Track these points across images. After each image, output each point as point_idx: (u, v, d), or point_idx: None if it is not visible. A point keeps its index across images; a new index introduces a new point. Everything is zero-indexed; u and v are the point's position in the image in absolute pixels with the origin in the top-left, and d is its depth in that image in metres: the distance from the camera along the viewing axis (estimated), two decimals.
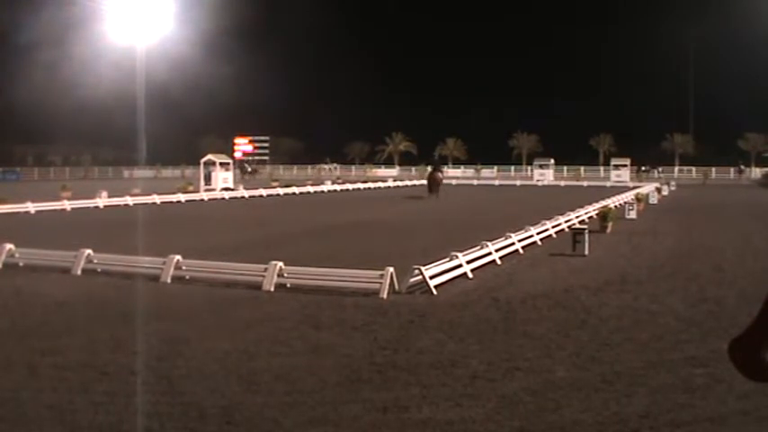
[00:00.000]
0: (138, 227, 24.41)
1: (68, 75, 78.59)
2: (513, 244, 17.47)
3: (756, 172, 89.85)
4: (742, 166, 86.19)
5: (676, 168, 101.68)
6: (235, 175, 57.77)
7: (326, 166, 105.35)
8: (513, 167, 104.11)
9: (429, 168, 49.06)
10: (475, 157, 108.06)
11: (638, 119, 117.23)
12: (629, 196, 35.58)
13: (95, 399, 6.93)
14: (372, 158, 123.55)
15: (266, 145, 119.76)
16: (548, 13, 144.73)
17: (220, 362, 8.26)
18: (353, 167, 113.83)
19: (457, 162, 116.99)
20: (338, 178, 72.97)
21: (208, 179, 50.12)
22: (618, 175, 72.83)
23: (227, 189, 48.62)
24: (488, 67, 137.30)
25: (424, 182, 48.15)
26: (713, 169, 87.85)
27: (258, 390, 7.24)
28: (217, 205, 39.17)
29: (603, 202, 29.46)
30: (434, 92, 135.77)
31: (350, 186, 58.45)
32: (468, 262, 14.28)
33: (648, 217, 28.73)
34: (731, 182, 78.42)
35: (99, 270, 14.52)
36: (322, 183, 60.21)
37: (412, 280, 12.48)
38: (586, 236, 17.65)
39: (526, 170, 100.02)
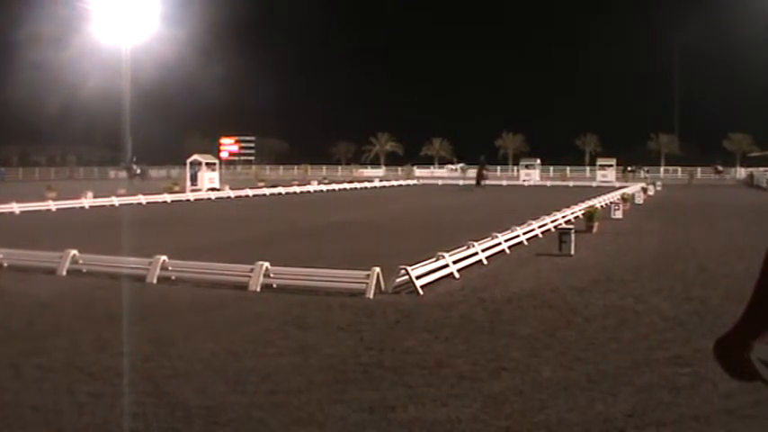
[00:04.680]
0: (124, 227, 24.34)
1: (54, 74, 78.35)
2: (499, 244, 17.49)
3: (741, 172, 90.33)
4: (719, 167, 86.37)
5: (662, 168, 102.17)
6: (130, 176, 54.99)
7: (453, 167, 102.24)
8: (499, 167, 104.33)
9: (478, 166, 64.99)
10: (461, 157, 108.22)
11: (623, 119, 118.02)
12: (614, 196, 35.73)
13: (81, 400, 6.89)
14: (359, 159, 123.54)
15: (252, 145, 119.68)
16: (532, 13, 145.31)
17: (206, 362, 8.24)
18: (339, 168, 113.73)
19: (443, 162, 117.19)
20: (324, 178, 72.82)
21: (194, 179, 49.97)
22: (604, 176, 73.23)
23: (213, 189, 48.52)
24: (474, 67, 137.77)
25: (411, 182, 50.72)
26: (699, 169, 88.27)
27: (244, 390, 7.22)
28: (203, 205, 39.04)
29: (589, 202, 29.52)
30: (420, 92, 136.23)
31: (336, 186, 58.41)
32: (455, 262, 14.29)
33: (634, 217, 28.85)
34: (716, 182, 78.85)
35: (84, 270, 14.45)
36: (308, 183, 60.12)
37: (398, 280, 12.48)
38: (572, 236, 17.70)
39: (512, 170, 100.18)
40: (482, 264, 15.67)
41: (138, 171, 60.17)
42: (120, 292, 12.54)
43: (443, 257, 13.89)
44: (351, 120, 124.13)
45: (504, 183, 73.59)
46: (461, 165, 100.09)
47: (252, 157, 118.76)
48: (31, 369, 7.93)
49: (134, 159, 62.78)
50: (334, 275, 12.74)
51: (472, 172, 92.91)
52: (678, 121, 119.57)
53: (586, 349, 8.73)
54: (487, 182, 62.08)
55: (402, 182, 74.91)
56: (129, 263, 14.26)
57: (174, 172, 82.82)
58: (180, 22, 77.92)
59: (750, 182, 70.79)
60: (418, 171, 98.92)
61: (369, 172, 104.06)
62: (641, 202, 39.18)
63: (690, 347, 8.65)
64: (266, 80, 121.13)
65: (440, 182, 77.46)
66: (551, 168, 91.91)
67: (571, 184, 70.35)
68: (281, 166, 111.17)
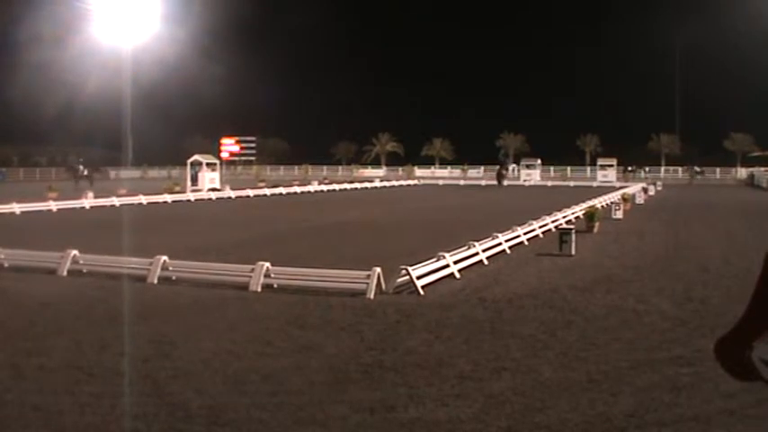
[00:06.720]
0: (125, 227, 24.32)
1: (55, 74, 78.32)
2: (500, 244, 17.49)
3: (742, 172, 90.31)
4: (697, 168, 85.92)
5: (662, 168, 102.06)
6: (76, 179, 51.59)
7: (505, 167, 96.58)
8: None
9: (498, 166, 71.30)
10: (462, 158, 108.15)
11: (624, 119, 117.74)
12: (615, 196, 35.72)
13: (82, 400, 6.89)
14: (359, 159, 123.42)
15: (253, 145, 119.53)
16: (535, 14, 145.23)
17: (207, 362, 8.23)
18: (340, 168, 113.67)
19: (444, 162, 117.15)
20: (325, 179, 72.80)
21: (194, 180, 49.94)
22: (604, 176, 73.26)
23: (213, 189, 48.50)
24: (475, 67, 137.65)
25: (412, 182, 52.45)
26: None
27: (245, 390, 7.22)
28: (203, 206, 39.04)
29: (590, 202, 29.51)
30: (421, 92, 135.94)
31: (337, 187, 58.40)
32: (456, 262, 14.28)
33: (635, 217, 28.85)
34: (717, 182, 78.92)
35: (85, 271, 14.45)
36: (309, 183, 60.12)
37: (399, 280, 12.47)
38: (573, 236, 17.70)
39: (513, 170, 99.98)
40: (483, 264, 15.66)
41: (86, 173, 53.92)
42: (121, 292, 12.54)
43: (444, 257, 13.89)
44: (351, 120, 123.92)
45: (505, 183, 73.47)
46: (514, 165, 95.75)
47: (253, 158, 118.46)
48: (32, 369, 7.93)
49: (81, 160, 58.74)
50: (334, 276, 12.74)
51: (473, 172, 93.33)
52: (679, 122, 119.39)
53: (587, 349, 8.73)
54: (505, 181, 66.37)
55: (403, 182, 74.90)
56: (129, 263, 14.26)
57: (175, 172, 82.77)
58: (180, 22, 77.94)
59: (750, 182, 70.85)
60: (419, 171, 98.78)
61: (369, 172, 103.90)
62: (642, 202, 39.18)
63: (691, 347, 8.65)
64: (267, 80, 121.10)
65: (440, 182, 77.46)
66: (552, 168, 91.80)
67: (572, 184, 70.41)
68: (282, 167, 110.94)
